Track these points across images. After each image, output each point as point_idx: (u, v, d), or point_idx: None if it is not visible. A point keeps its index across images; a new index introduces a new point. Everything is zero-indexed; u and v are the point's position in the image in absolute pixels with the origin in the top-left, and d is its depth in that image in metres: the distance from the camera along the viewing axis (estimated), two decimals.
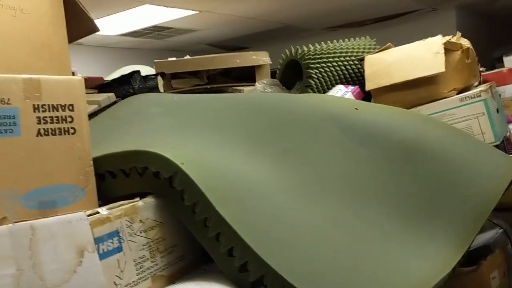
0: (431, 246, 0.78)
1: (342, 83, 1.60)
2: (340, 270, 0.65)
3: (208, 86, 1.70)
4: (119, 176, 0.76)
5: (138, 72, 1.53)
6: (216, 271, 0.70)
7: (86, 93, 1.37)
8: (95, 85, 1.56)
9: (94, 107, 1.17)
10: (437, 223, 0.84)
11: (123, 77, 1.51)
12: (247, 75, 1.82)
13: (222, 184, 0.70)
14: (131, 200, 0.70)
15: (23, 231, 0.47)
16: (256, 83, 1.70)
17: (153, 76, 1.60)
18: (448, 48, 1.47)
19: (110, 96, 1.22)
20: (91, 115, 1.12)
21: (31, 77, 0.72)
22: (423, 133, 1.03)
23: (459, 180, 0.94)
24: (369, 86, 1.54)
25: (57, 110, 0.74)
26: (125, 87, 1.52)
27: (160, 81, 1.66)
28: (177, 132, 0.88)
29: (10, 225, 0.46)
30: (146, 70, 1.81)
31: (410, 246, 0.77)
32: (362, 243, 0.72)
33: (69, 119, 0.75)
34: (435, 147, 0.99)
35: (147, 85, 1.57)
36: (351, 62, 1.62)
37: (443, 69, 1.42)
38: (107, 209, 0.64)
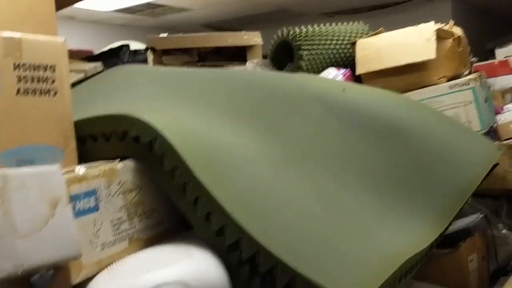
0: (409, 223, 0.78)
1: (333, 66, 1.59)
2: (316, 239, 0.65)
3: (199, 64, 1.70)
4: (100, 140, 0.76)
5: (127, 46, 1.52)
6: (195, 237, 0.70)
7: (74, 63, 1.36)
8: (84, 57, 1.54)
9: (80, 76, 1.16)
10: (416, 202, 0.85)
11: (111, 50, 1.50)
12: (238, 55, 1.81)
13: (202, 151, 0.70)
14: (110, 161, 0.69)
15: None
16: (247, 63, 1.70)
17: (142, 51, 1.59)
18: (440, 36, 1.47)
19: (96, 66, 1.21)
20: (77, 83, 1.11)
21: (12, 35, 0.71)
22: (409, 115, 1.04)
23: (441, 162, 0.95)
24: (359, 70, 1.54)
25: (38, 71, 0.73)
26: (113, 60, 1.51)
27: (150, 56, 1.65)
28: (160, 100, 0.87)
29: None
30: (137, 46, 1.79)
31: (388, 222, 0.77)
32: (341, 216, 0.72)
33: (50, 80, 0.74)
34: (420, 129, 1.00)
35: (136, 59, 1.56)
36: (343, 46, 1.62)
37: (433, 56, 1.42)
38: (85, 168, 0.64)
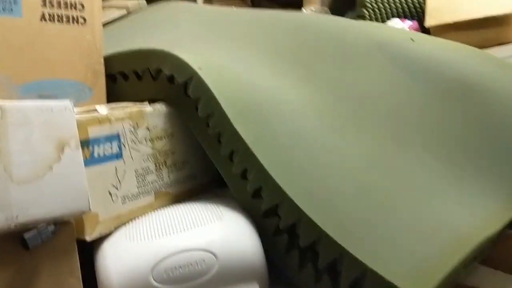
0: (481, 197, 0.66)
1: (399, 16, 1.43)
2: (369, 209, 0.55)
3: None
4: (131, 79, 0.68)
5: None
6: (230, 197, 0.61)
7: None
8: None
9: (122, 12, 1.07)
10: (488, 175, 0.72)
11: None
12: (295, 2, 1.69)
13: (242, 97, 0.60)
14: (138, 103, 0.61)
15: None
16: (303, 9, 1.56)
17: None
18: None
19: (140, 2, 1.12)
20: (116, 20, 1.03)
21: None
22: (489, 73, 0.89)
23: None
24: (429, 21, 1.37)
25: None
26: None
27: None
28: (201, 39, 0.77)
29: None
30: None
31: (455, 196, 0.65)
32: (399, 182, 0.61)
33: (79, 7, 0.65)
34: (501, 90, 0.85)
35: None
36: None
37: None
38: (109, 108, 0.56)
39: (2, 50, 0.60)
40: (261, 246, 0.52)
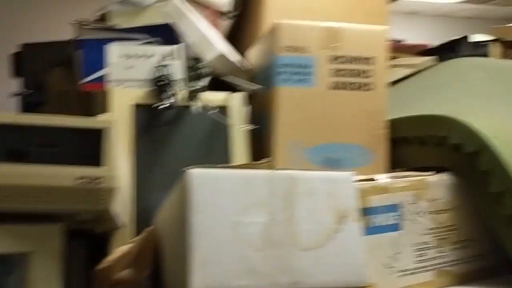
0: None
1: None
2: None
3: None
4: (414, 144, 0.65)
5: (465, 37, 1.34)
6: None
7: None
8: (417, 51, 1.45)
9: (411, 70, 1.07)
10: None
11: (446, 43, 1.35)
12: None
13: None
14: (421, 173, 0.58)
15: (283, 181, 0.42)
16: None
17: (484, 43, 1.37)
18: None
19: (429, 60, 1.09)
20: (404, 79, 1.02)
21: (330, 25, 0.67)
22: None
23: None
24: None
25: (356, 63, 0.67)
26: (449, 54, 1.36)
27: (493, 49, 1.42)
28: (497, 101, 0.69)
29: (271, 171, 0.42)
30: (478, 38, 1.58)
31: None
32: None
33: (368, 74, 0.67)
34: None
35: (475, 53, 1.36)
36: None
37: None
38: (389, 177, 0.55)
39: (296, 117, 0.66)
40: None
